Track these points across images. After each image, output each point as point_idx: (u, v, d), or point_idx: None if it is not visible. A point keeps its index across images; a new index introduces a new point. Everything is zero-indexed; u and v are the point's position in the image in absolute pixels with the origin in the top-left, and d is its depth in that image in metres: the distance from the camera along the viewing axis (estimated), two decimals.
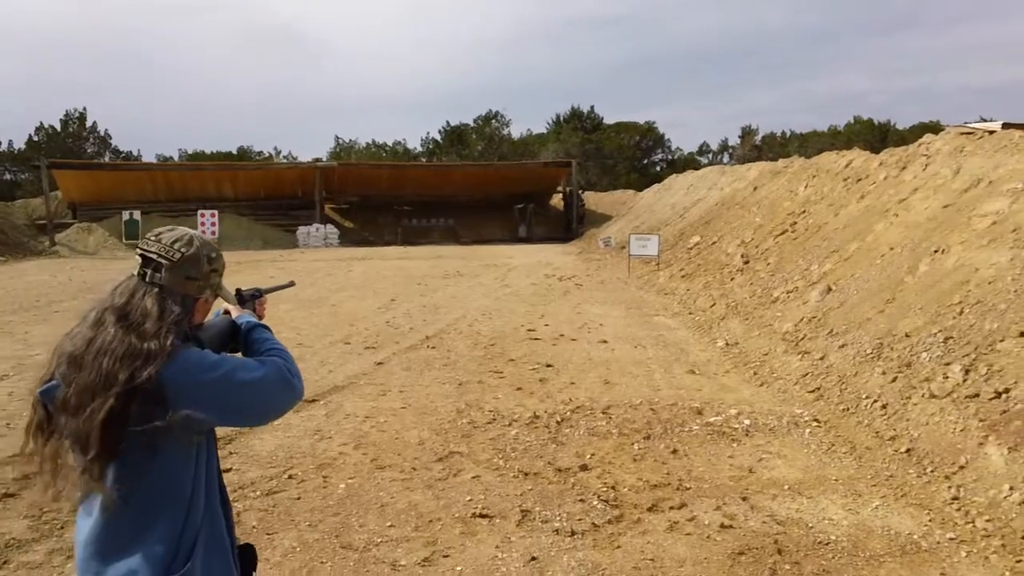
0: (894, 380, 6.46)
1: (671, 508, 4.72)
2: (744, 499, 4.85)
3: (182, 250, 1.88)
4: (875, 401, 6.35)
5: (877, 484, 5.05)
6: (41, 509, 4.60)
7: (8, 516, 4.57)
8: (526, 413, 6.75)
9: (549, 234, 36.53)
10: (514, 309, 13.20)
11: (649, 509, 4.71)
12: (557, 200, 40.28)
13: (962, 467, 4.92)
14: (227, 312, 2.21)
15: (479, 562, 4.05)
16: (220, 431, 2.21)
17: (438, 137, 57.26)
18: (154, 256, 1.86)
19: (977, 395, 5.45)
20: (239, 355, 2.03)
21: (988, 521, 4.29)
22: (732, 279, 13.60)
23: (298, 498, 4.90)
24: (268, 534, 4.33)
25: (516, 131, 59.49)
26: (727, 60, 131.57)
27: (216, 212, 31.97)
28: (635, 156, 56.32)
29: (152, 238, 1.90)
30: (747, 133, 55.68)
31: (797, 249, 12.58)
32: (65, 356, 1.78)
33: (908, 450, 5.44)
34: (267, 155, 56.88)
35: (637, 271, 18.46)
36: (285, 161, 50.27)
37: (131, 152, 51.61)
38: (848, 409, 6.51)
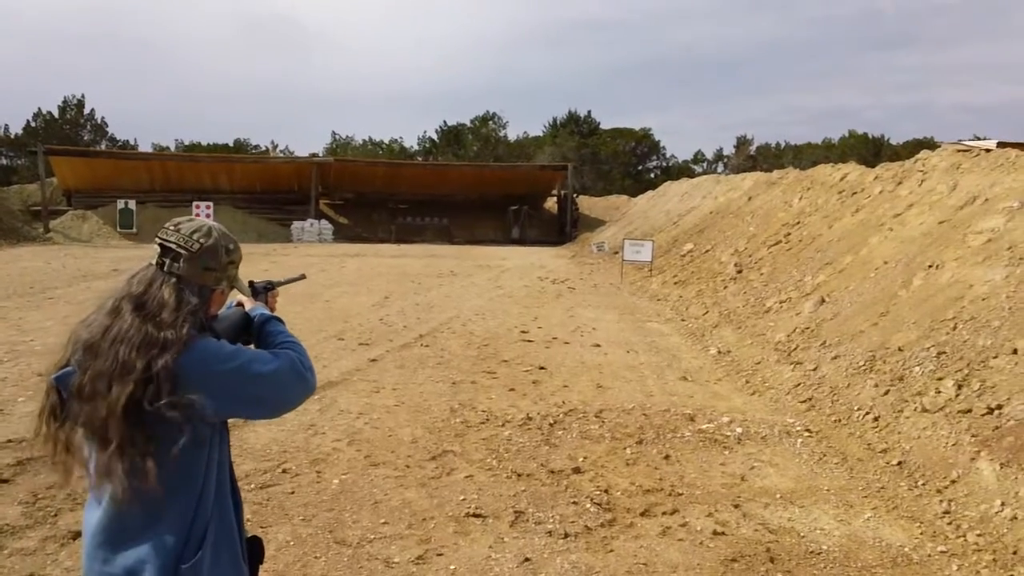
0: (886, 393, 6.50)
1: (664, 513, 4.74)
2: (736, 506, 4.87)
3: (201, 241, 1.88)
4: (867, 413, 6.39)
5: (869, 496, 5.08)
6: (36, 496, 4.59)
7: (2, 502, 4.55)
8: (519, 414, 6.77)
9: (542, 237, 36.56)
10: (507, 310, 13.22)
11: (642, 513, 4.73)
12: (551, 203, 40.29)
13: (954, 481, 4.96)
14: (240, 304, 2.21)
15: (473, 561, 4.06)
16: None
17: (435, 136, 57.33)
18: (173, 246, 1.86)
19: (970, 410, 5.50)
20: (252, 347, 2.04)
21: (979, 536, 4.33)
22: (725, 287, 13.64)
23: (292, 492, 4.90)
24: (262, 527, 4.32)
25: (512, 133, 59.68)
26: (724, 70, 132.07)
27: (211, 204, 31.82)
28: (630, 162, 56.42)
29: (171, 227, 1.90)
30: (742, 143, 55.92)
31: (791, 260, 12.64)
32: (81, 343, 1.78)
33: (900, 463, 5.47)
34: (264, 149, 56.77)
35: (630, 276, 18.49)
36: (281, 155, 50.12)
37: (128, 141, 51.45)
38: (840, 420, 6.55)
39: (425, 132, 65.07)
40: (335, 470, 5.33)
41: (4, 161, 47.52)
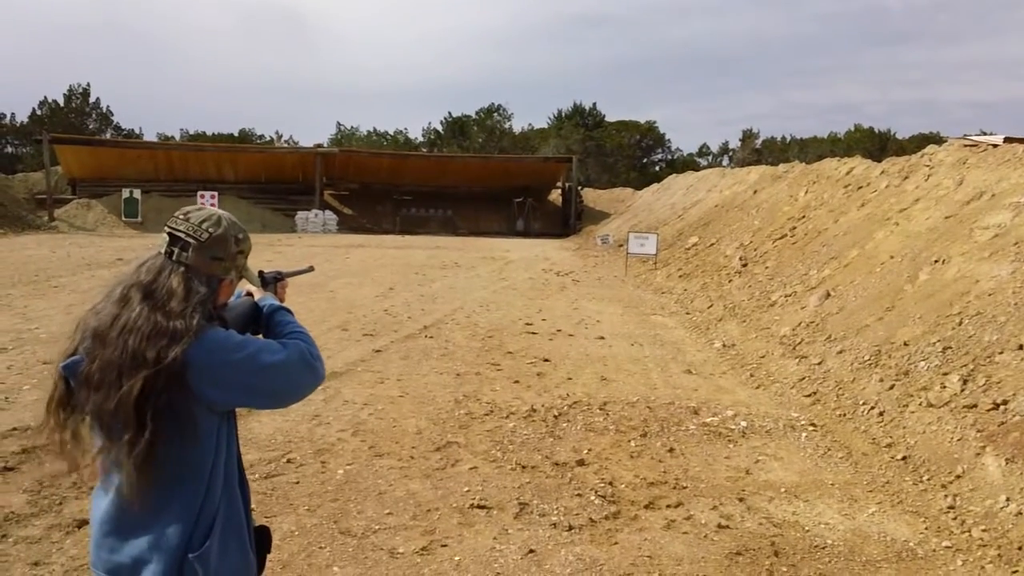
0: (891, 388, 6.49)
1: (668, 506, 4.74)
2: (741, 500, 4.87)
3: (210, 230, 1.87)
4: (872, 408, 6.38)
5: (873, 490, 5.08)
6: (41, 484, 4.61)
7: (8, 490, 4.56)
8: (523, 406, 6.77)
9: (546, 229, 36.54)
10: (511, 302, 13.21)
11: (646, 506, 4.73)
12: (555, 195, 40.26)
13: (959, 476, 4.95)
14: (249, 294, 2.21)
15: (477, 553, 4.06)
16: None
17: (439, 128, 57.23)
18: (182, 235, 1.85)
19: (975, 406, 5.49)
20: (261, 337, 2.03)
21: (984, 531, 4.33)
22: (730, 281, 13.62)
23: (297, 482, 4.91)
24: (267, 517, 4.33)
25: (517, 125, 59.33)
26: (729, 64, 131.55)
27: (216, 194, 31.78)
28: (635, 155, 56.26)
29: (181, 216, 1.89)
30: (747, 136, 55.68)
31: (796, 254, 12.61)
32: (90, 331, 1.78)
33: (904, 457, 5.47)
34: (268, 139, 56.69)
35: (634, 269, 18.47)
36: (286, 146, 50.04)
37: (133, 130, 51.46)
38: (845, 415, 6.54)
39: (430, 123, 65.23)
40: (340, 460, 5.33)
41: (9, 149, 47.64)
